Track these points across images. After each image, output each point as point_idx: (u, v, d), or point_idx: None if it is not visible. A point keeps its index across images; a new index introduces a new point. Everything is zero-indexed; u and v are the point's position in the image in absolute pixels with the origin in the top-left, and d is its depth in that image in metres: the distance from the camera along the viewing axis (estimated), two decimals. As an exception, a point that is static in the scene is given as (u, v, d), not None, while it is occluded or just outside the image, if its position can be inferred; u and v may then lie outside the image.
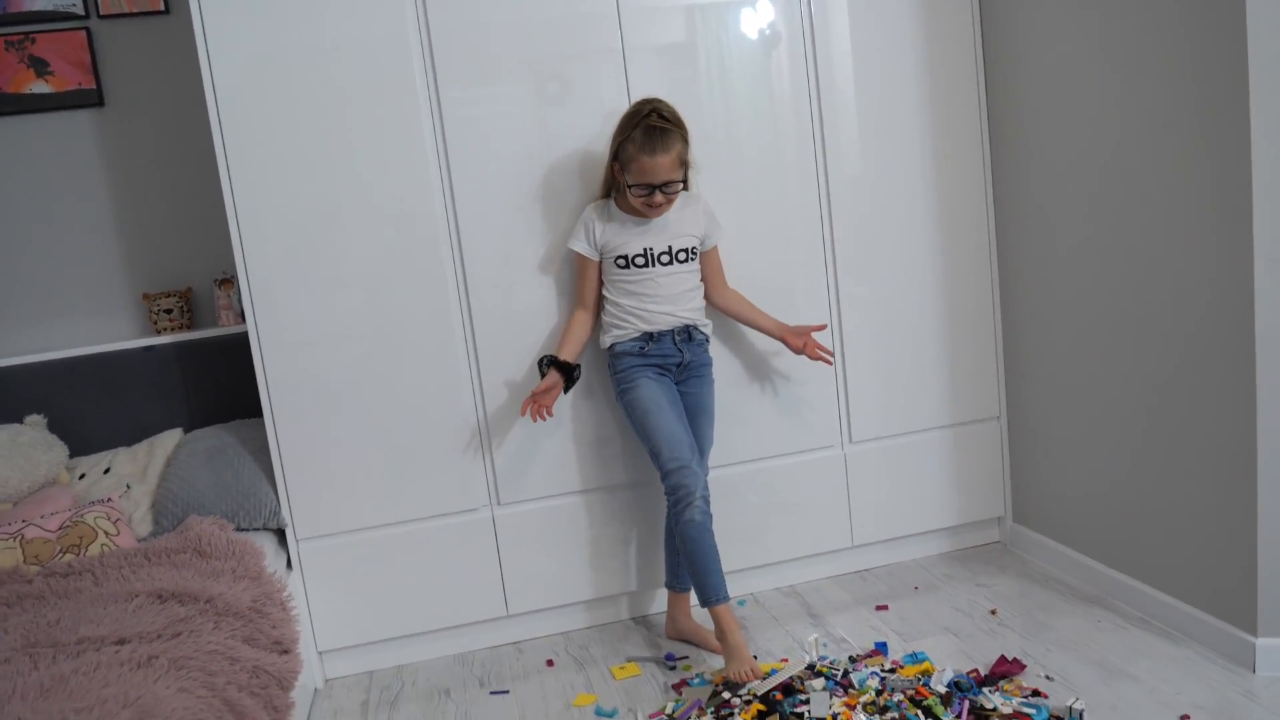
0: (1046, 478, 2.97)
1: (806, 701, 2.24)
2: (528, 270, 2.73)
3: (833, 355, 2.84)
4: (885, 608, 2.84)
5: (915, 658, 2.48)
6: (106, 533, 2.55)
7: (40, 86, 3.02)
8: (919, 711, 2.17)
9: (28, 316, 3.09)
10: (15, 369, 2.97)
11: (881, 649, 2.57)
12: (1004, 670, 2.37)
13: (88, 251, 3.12)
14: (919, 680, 2.31)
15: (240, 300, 2.77)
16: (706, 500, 2.52)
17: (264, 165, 2.57)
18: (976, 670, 2.40)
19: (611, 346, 2.65)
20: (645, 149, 2.42)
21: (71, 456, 2.96)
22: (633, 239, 2.57)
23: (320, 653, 2.79)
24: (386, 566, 2.76)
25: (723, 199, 2.76)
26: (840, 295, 2.94)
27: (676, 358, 2.63)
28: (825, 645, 2.65)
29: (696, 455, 2.55)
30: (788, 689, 2.30)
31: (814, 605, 2.92)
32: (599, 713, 2.45)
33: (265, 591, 2.33)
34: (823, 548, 3.05)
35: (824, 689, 2.28)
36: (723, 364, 2.83)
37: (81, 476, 2.85)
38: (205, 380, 3.07)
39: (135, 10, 3.04)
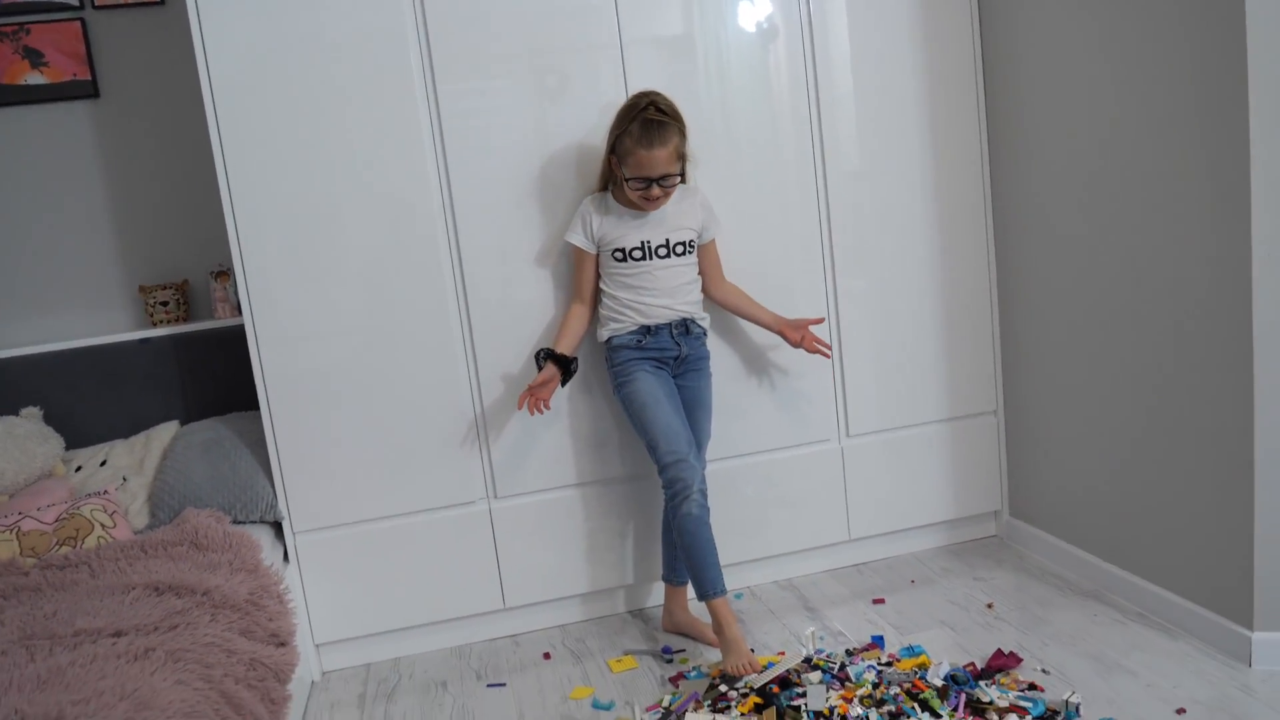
0: (1044, 472, 2.97)
1: (803, 694, 2.24)
2: (525, 263, 2.73)
3: (830, 349, 2.84)
4: (882, 601, 2.84)
5: (912, 651, 2.48)
6: (103, 525, 2.54)
7: (35, 78, 3.00)
8: (915, 705, 2.18)
9: (23, 308, 3.08)
10: (11, 361, 2.96)
11: (878, 642, 2.57)
12: (1000, 664, 2.37)
13: (83, 243, 3.11)
14: (915, 674, 2.31)
15: (236, 293, 2.77)
16: (704, 494, 2.52)
17: (261, 157, 2.56)
18: (973, 664, 2.40)
19: (609, 340, 2.65)
20: (643, 142, 2.42)
21: (68, 449, 2.95)
22: (630, 232, 2.57)
23: (317, 645, 2.79)
24: (383, 559, 2.76)
25: (720, 193, 2.76)
26: (838, 289, 2.94)
27: (674, 351, 2.63)
28: (822, 638, 2.65)
29: (694, 449, 2.55)
30: (785, 682, 2.31)
31: (811, 599, 2.92)
32: (596, 705, 2.45)
33: (262, 584, 2.33)
34: (820, 541, 3.05)
35: (821, 682, 2.29)
36: (720, 357, 2.83)
37: (78, 469, 2.84)
38: (202, 373, 3.07)
39: (130, 1, 3.03)
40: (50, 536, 2.50)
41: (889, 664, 2.41)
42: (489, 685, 2.63)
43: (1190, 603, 2.45)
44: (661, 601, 2.86)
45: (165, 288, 3.08)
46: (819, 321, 2.76)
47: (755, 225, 2.84)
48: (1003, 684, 2.28)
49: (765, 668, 2.37)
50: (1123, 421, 2.60)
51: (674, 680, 2.52)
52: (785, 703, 2.22)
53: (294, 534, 2.72)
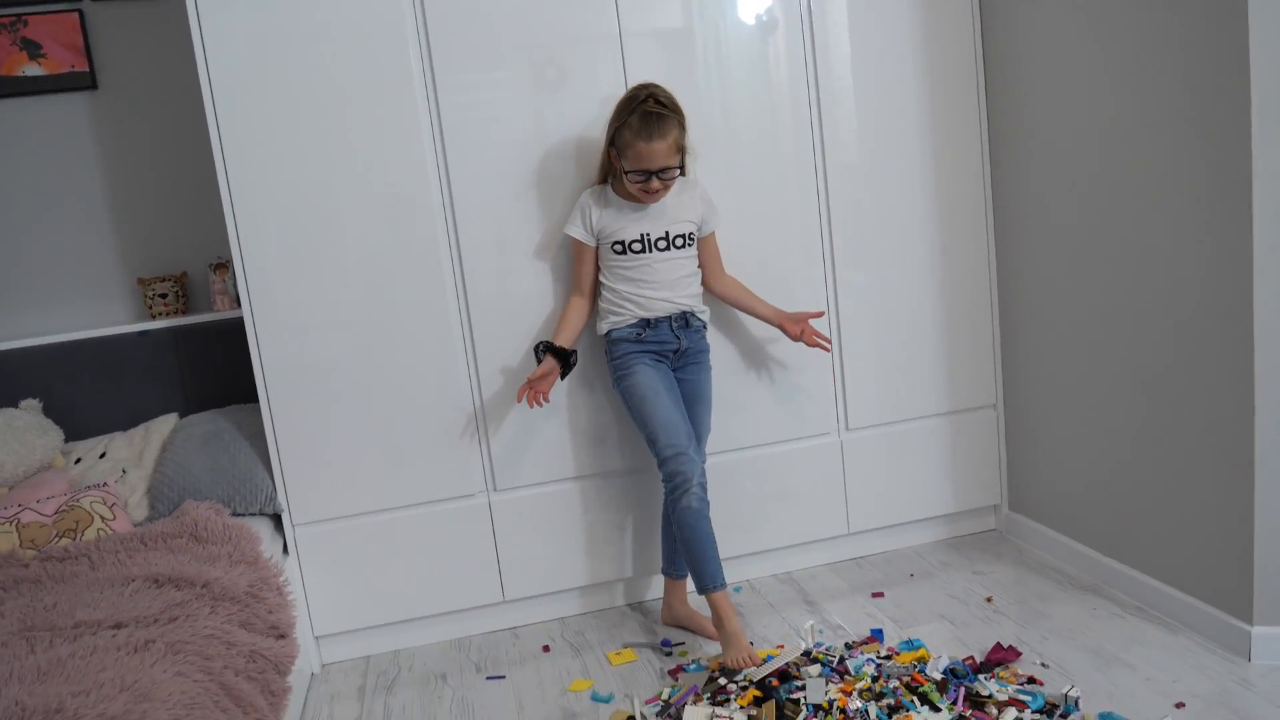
0: (1043, 466, 2.97)
1: (803, 688, 2.24)
2: (524, 256, 2.73)
3: (830, 342, 2.83)
4: (881, 595, 2.84)
5: (911, 644, 2.48)
6: (102, 517, 2.54)
7: (33, 69, 2.99)
8: (914, 698, 2.18)
9: (22, 301, 3.08)
10: (10, 353, 2.96)
11: (877, 636, 2.58)
12: (999, 657, 2.38)
13: (82, 235, 3.10)
14: (914, 667, 2.31)
15: (235, 285, 2.76)
16: (704, 487, 2.52)
17: (259, 150, 2.56)
18: (972, 657, 2.40)
19: (608, 333, 2.64)
20: (642, 134, 2.41)
21: (67, 441, 2.95)
22: (630, 224, 2.56)
23: (317, 637, 2.79)
24: (383, 552, 2.76)
25: (720, 186, 2.75)
26: (838, 282, 2.94)
27: (674, 344, 2.62)
28: (821, 632, 2.65)
29: (694, 442, 2.55)
30: (784, 675, 2.31)
31: (810, 592, 2.92)
32: (595, 698, 2.45)
33: (262, 576, 2.33)
34: (819, 535, 3.05)
35: (820, 675, 2.29)
36: (720, 351, 2.83)
37: (77, 461, 2.84)
38: (201, 365, 3.06)
39: (129, -8, 3.02)
40: (50, 529, 2.50)
41: (888, 657, 2.42)
42: (488, 678, 2.63)
43: (1190, 597, 2.45)
44: (661, 595, 2.86)
45: (164, 280, 3.08)
46: (819, 315, 2.75)
47: (755, 218, 2.84)
48: (1002, 678, 2.29)
49: (764, 661, 2.37)
50: (1123, 415, 2.60)
51: (673, 673, 2.52)
52: (784, 696, 2.22)
53: (293, 526, 2.72)
